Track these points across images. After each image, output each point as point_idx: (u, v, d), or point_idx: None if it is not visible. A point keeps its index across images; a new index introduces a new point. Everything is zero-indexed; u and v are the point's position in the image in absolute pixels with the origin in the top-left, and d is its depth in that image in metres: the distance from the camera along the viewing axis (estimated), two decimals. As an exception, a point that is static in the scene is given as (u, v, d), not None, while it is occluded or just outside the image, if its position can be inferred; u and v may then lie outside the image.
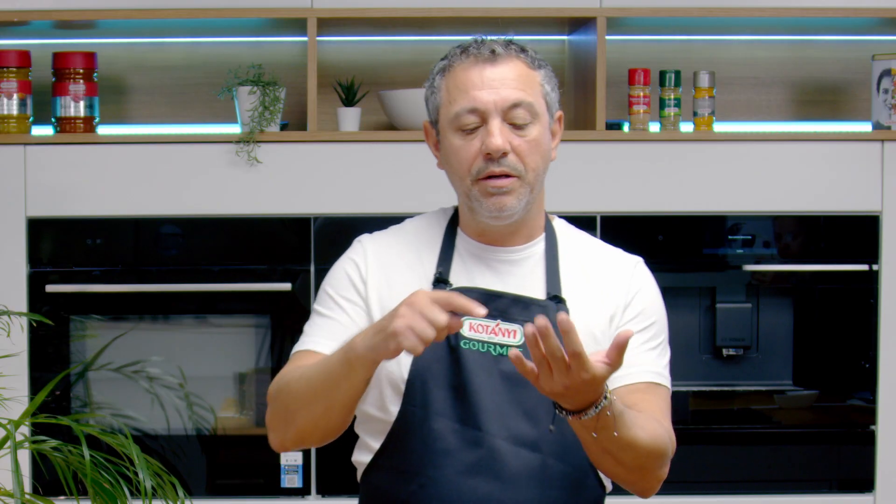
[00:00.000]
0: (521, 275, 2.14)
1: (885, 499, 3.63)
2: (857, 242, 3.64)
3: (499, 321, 2.08)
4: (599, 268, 2.16)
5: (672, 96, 3.68)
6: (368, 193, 3.54)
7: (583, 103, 3.72)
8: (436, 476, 2.04)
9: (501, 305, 2.09)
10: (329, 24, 3.63)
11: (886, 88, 3.64)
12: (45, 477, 3.28)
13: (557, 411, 1.88)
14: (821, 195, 3.61)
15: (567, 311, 2.09)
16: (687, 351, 3.66)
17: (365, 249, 2.18)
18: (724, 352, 3.67)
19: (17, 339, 3.16)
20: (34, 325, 3.40)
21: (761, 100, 4.00)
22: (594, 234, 3.56)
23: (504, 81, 2.07)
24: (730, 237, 3.64)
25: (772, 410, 3.70)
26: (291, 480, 3.56)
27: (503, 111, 2.07)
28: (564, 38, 3.94)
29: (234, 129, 3.61)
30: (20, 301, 3.49)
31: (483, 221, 2.12)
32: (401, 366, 2.07)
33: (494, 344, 2.07)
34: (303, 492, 3.57)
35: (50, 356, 3.54)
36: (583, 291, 2.13)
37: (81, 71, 3.57)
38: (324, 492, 3.57)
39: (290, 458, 3.56)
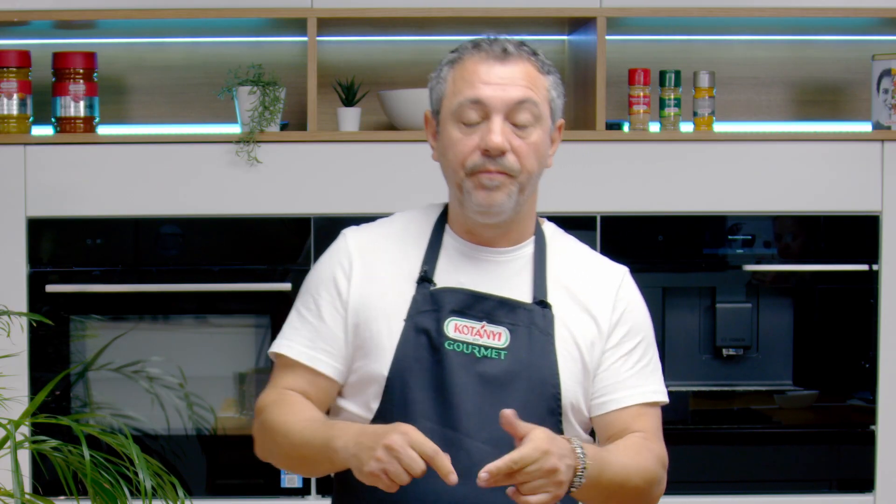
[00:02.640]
0: (507, 276, 2.12)
1: (885, 499, 3.63)
2: (857, 242, 3.64)
3: (484, 323, 2.07)
4: (586, 276, 2.16)
5: (672, 96, 3.68)
6: (368, 193, 3.54)
7: (583, 103, 3.72)
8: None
9: (487, 307, 2.08)
10: (329, 24, 3.63)
11: (886, 88, 3.64)
12: (45, 477, 3.27)
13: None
14: (821, 195, 3.61)
15: (553, 316, 2.09)
16: (687, 351, 3.66)
17: (348, 246, 2.16)
18: (724, 352, 3.66)
19: (17, 339, 3.16)
20: (34, 325, 3.40)
21: (761, 100, 4.00)
22: (594, 235, 3.57)
23: (513, 80, 2.05)
24: (730, 237, 3.64)
25: (772, 410, 3.70)
26: (291, 480, 3.56)
27: (507, 110, 2.05)
28: (564, 38, 3.94)
29: (234, 129, 3.61)
30: (20, 301, 3.49)
31: (471, 218, 2.10)
32: (382, 365, 2.07)
33: (479, 346, 2.06)
34: (303, 492, 3.57)
35: (50, 356, 3.53)
36: (568, 298, 2.12)
37: (81, 71, 3.57)
38: (324, 492, 3.56)
39: (290, 458, 3.56)
